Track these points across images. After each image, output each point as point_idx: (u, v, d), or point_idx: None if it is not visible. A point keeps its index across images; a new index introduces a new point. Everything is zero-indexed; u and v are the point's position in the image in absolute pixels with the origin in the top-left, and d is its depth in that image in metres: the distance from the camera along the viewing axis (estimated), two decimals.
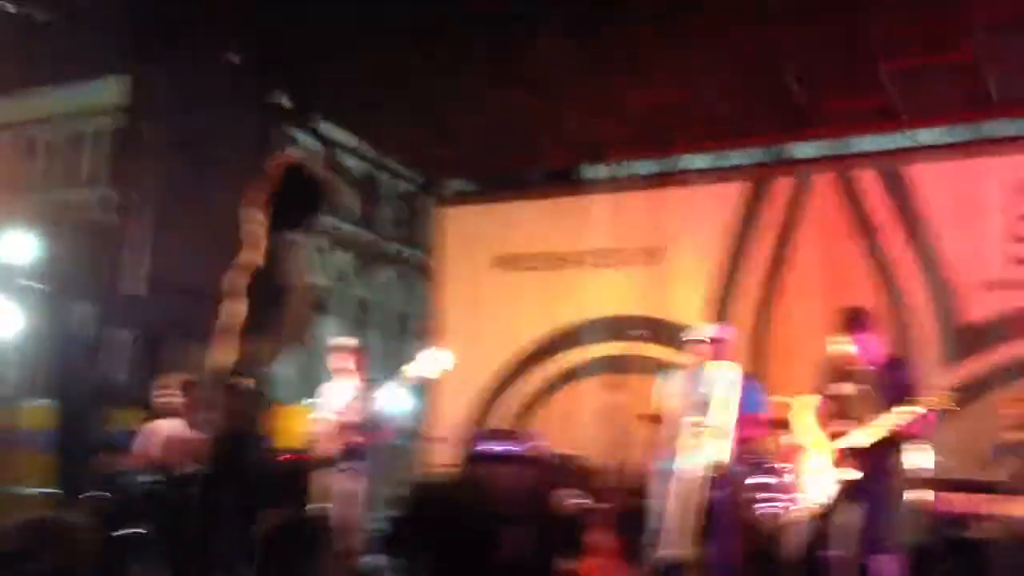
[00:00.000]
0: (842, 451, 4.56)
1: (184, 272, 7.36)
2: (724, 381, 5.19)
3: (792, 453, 4.85)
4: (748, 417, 5.24)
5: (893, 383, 4.53)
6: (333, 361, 6.18)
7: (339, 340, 6.32)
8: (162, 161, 7.70)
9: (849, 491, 4.52)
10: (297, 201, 3.98)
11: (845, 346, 4.67)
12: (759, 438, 5.58)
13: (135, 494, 5.66)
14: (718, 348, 5.36)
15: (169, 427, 6.04)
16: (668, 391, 5.44)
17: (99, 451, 6.48)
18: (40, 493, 7.47)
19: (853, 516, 4.45)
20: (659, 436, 5.37)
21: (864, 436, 4.51)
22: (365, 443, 5.82)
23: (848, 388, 4.69)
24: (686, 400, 5.29)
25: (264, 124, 9.12)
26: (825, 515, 4.60)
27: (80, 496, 5.81)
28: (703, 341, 5.38)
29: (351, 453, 5.80)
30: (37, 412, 8.15)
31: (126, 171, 7.97)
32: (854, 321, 4.71)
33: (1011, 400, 6.48)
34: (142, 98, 7.93)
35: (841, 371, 4.73)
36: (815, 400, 4.76)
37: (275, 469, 6.18)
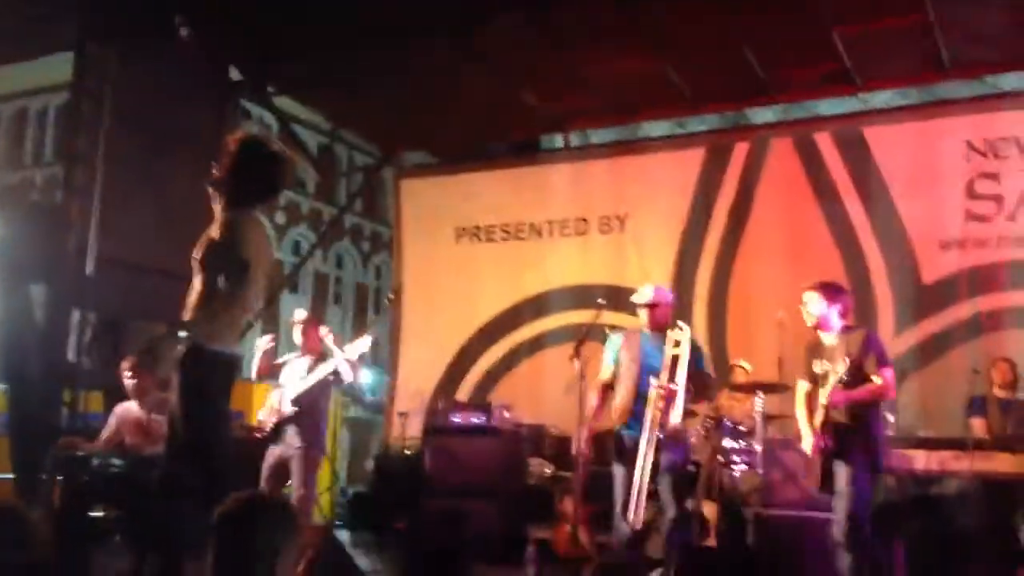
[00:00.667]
0: (816, 430, 4.64)
1: (136, 251, 7.22)
2: (674, 343, 5.19)
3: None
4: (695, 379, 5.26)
5: (847, 354, 4.61)
6: (294, 335, 6.12)
7: (295, 314, 6.24)
8: (110, 138, 7.51)
9: (829, 464, 4.61)
10: (255, 176, 3.92)
11: (808, 299, 4.73)
12: (701, 400, 5.60)
13: (98, 477, 5.58)
14: (654, 310, 5.35)
15: (132, 409, 5.96)
16: (616, 355, 5.42)
17: (59, 434, 6.37)
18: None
19: (840, 483, 4.53)
20: (616, 401, 5.37)
21: (820, 412, 4.60)
22: (302, 417, 5.71)
23: (819, 366, 4.75)
24: (637, 363, 5.27)
25: (218, 99, 8.96)
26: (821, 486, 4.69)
27: (37, 480, 5.71)
28: (643, 304, 5.36)
29: (285, 427, 5.71)
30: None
31: (73, 149, 7.75)
32: (826, 288, 4.78)
33: (998, 360, 6.65)
34: (88, 75, 7.72)
35: (815, 350, 4.80)
36: (804, 386, 4.84)
37: (238, 447, 6.13)
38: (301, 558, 3.75)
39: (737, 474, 6.42)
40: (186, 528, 3.79)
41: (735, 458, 6.42)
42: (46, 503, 5.53)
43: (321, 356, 5.88)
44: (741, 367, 7.20)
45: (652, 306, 5.32)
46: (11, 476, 7.25)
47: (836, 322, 4.73)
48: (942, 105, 8.69)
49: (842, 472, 4.58)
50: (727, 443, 6.43)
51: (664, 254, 9.08)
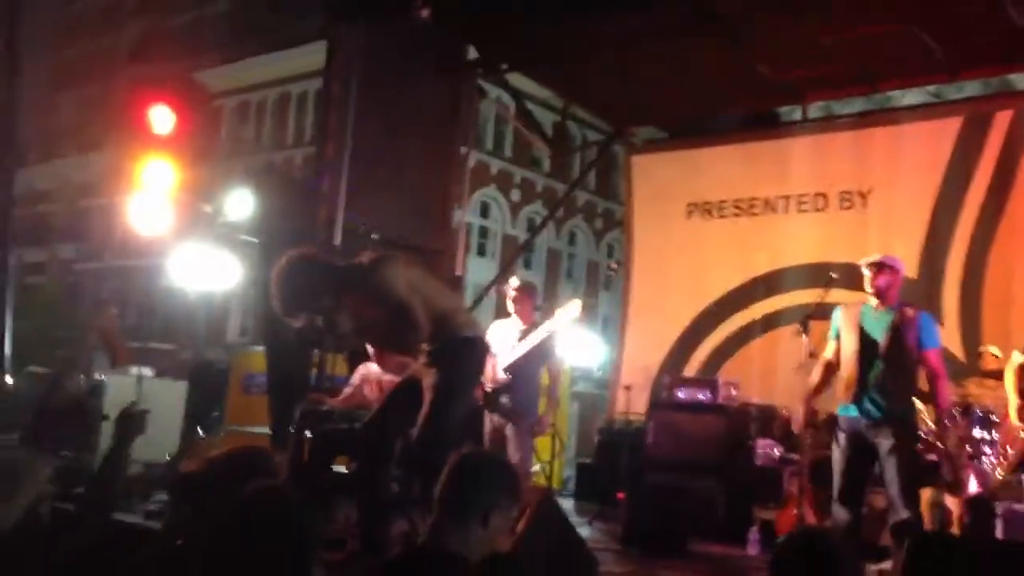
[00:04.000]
0: None
1: (376, 223, 7.61)
2: (890, 319, 4.82)
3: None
4: (927, 356, 4.85)
5: None
6: (508, 303, 6.18)
7: (511, 282, 6.28)
8: (357, 118, 7.98)
9: None
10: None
11: None
12: (939, 379, 5.04)
13: (340, 432, 5.98)
14: (879, 272, 4.96)
15: (373, 369, 6.31)
16: (836, 330, 5.10)
17: (308, 393, 6.88)
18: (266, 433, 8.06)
19: None
20: (839, 381, 5.09)
21: None
22: (514, 385, 5.74)
23: None
24: (856, 338, 4.93)
25: (455, 78, 9.28)
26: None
27: (288, 434, 6.19)
28: (869, 263, 4.98)
29: (499, 395, 5.76)
30: (261, 357, 8.75)
31: (324, 128, 8.30)
32: None
33: None
34: (338, 58, 8.23)
35: None
36: (1020, 357, 4.41)
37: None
38: (520, 516, 3.86)
39: (987, 465, 5.95)
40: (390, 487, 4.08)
41: (985, 449, 5.95)
42: (295, 454, 6.00)
43: (533, 325, 5.94)
44: (991, 353, 6.66)
45: (878, 266, 4.96)
46: (268, 431, 7.96)
47: None
48: None
49: None
50: (976, 433, 5.96)
51: (911, 232, 8.50)
